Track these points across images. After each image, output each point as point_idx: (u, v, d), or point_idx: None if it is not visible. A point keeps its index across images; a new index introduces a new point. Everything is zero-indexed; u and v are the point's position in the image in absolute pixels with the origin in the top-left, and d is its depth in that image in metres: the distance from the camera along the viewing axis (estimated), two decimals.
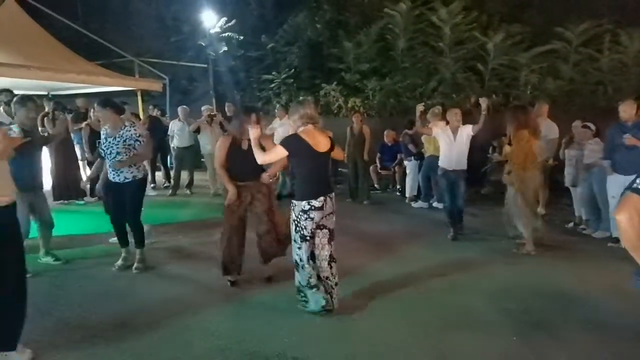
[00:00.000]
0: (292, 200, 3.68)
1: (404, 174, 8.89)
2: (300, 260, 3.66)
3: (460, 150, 5.80)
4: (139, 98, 11.28)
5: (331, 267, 3.75)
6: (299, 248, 3.64)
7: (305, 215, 3.57)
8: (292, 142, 3.61)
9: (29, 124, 4.54)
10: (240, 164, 4.18)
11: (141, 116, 10.29)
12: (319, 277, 3.69)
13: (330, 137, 3.79)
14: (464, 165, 5.85)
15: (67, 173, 7.83)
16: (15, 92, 9.77)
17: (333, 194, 3.75)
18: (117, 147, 4.56)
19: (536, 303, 3.97)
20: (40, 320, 3.65)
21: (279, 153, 3.64)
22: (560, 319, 3.66)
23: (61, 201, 7.76)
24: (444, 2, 12.21)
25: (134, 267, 4.79)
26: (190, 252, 5.51)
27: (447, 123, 6.10)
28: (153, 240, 5.63)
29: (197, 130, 8.89)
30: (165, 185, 9.56)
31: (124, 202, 4.71)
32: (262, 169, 4.22)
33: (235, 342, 3.33)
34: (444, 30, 12.29)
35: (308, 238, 3.62)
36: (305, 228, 3.60)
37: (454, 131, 5.86)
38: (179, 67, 13.83)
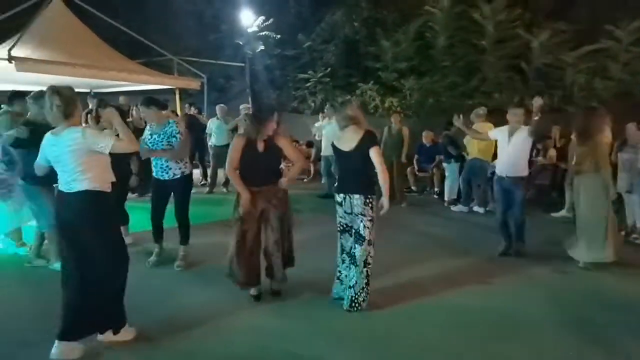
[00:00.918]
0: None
1: (442, 176, 8.65)
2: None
3: (516, 154, 5.08)
4: (177, 96, 11.44)
5: (350, 269, 3.79)
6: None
7: (337, 207, 3.86)
8: (333, 148, 3.92)
9: (40, 119, 4.26)
10: (256, 167, 3.81)
11: (179, 114, 10.41)
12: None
13: (366, 134, 3.68)
14: (521, 172, 5.10)
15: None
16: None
17: (357, 195, 3.66)
18: (162, 143, 4.60)
19: (586, 314, 3.74)
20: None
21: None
22: (611, 332, 3.43)
23: None
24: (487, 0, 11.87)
25: (175, 265, 4.78)
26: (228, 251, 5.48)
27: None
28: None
29: (235, 129, 8.90)
30: (202, 183, 9.63)
31: (167, 199, 4.74)
32: (279, 173, 4.01)
33: (276, 341, 3.29)
34: (486, 28, 11.96)
35: (340, 229, 3.86)
36: (337, 219, 3.87)
37: (511, 133, 5.13)
38: (217, 66, 13.95)
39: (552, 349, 3.23)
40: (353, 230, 3.75)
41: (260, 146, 3.81)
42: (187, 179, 4.78)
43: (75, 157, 2.94)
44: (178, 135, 4.59)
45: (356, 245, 3.72)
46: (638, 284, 4.44)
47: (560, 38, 11.50)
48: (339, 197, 3.80)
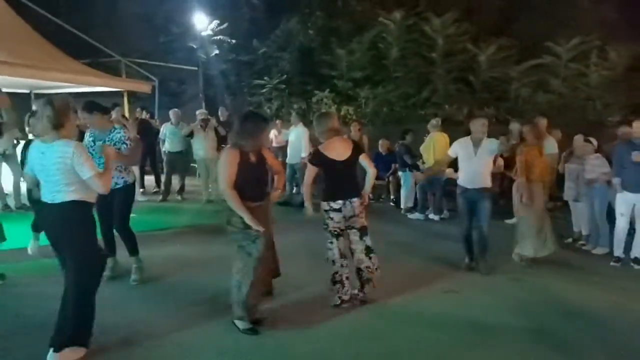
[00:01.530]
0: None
1: (398, 185, 8.80)
2: (333, 255, 4.00)
3: (482, 164, 4.98)
4: (125, 99, 10.96)
5: (370, 258, 4.05)
6: (331, 243, 4.01)
7: (327, 215, 3.98)
8: (317, 159, 4.04)
9: None
10: (253, 181, 3.53)
11: (128, 118, 9.98)
12: (358, 270, 4.08)
13: (354, 144, 4.10)
14: (487, 182, 5.01)
15: None
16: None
17: (356, 199, 3.97)
18: None
19: (549, 322, 3.88)
20: (31, 334, 3.40)
21: (312, 170, 4.05)
22: (576, 340, 3.58)
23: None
24: (436, 13, 12.28)
25: (131, 279, 4.53)
26: (188, 261, 5.28)
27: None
28: None
29: (190, 135, 8.63)
30: (155, 190, 9.27)
31: (111, 209, 4.43)
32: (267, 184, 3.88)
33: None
34: (436, 41, 12.35)
35: (335, 234, 3.99)
36: (329, 225, 3.99)
37: (476, 144, 4.99)
38: (168, 69, 13.54)
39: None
40: (354, 229, 4.04)
41: (253, 157, 3.54)
42: (129, 189, 4.51)
43: (63, 170, 2.95)
44: (127, 142, 4.31)
45: (365, 238, 4.07)
46: (591, 289, 4.66)
47: (505, 53, 12.08)
48: (336, 204, 3.94)
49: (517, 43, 12.17)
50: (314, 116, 4.64)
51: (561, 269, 5.28)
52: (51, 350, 3.02)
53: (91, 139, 4.40)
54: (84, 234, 3.08)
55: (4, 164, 7.22)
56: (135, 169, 8.44)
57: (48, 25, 10.88)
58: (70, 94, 10.04)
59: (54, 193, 2.99)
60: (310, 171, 4.08)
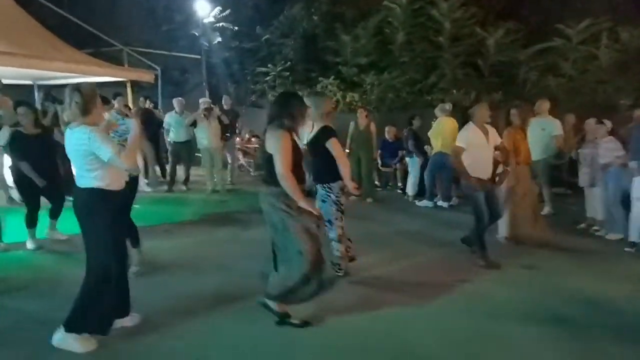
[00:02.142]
0: (328, 184, 4.16)
1: (406, 172, 8.68)
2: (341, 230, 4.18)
3: (492, 153, 4.82)
4: (129, 89, 10.85)
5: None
6: (341, 221, 4.22)
7: (340, 194, 4.13)
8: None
9: None
10: (299, 164, 3.33)
11: (131, 108, 9.87)
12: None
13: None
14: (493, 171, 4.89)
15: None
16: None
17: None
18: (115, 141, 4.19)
19: (563, 311, 3.77)
20: (36, 331, 3.34)
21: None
22: (592, 328, 3.47)
23: None
24: None
25: (130, 271, 4.41)
26: (192, 252, 5.21)
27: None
28: None
29: (194, 124, 8.53)
30: (160, 180, 9.20)
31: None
32: None
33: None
34: (443, 25, 12.12)
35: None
36: (339, 204, 4.20)
37: (485, 131, 4.75)
38: (171, 58, 13.39)
39: (534, 352, 3.22)
40: None
41: (296, 139, 3.36)
42: (131, 181, 4.35)
43: (82, 156, 2.99)
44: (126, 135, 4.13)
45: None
46: (606, 276, 4.54)
47: (513, 36, 11.83)
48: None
49: (525, 26, 11.92)
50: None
51: (575, 255, 5.17)
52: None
53: None
54: (100, 222, 3.05)
55: (5, 156, 7.13)
56: (139, 160, 8.40)
57: (51, 16, 10.76)
58: (74, 84, 10.01)
59: (78, 177, 3.08)
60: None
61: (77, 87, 3.05)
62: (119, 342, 3.21)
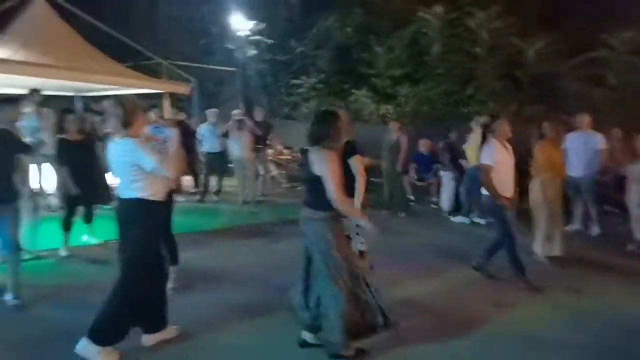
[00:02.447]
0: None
1: (441, 186, 8.43)
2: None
3: (513, 170, 4.63)
4: (167, 101, 11.08)
5: None
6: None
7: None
8: None
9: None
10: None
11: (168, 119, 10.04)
12: None
13: None
14: None
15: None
16: (44, 92, 9.75)
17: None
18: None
19: (609, 338, 3.49)
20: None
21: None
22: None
23: None
24: (480, 7, 11.77)
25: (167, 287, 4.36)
26: (222, 265, 5.15)
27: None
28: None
29: (226, 135, 8.59)
30: (193, 191, 9.28)
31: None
32: None
33: None
34: (480, 35, 11.84)
35: None
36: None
37: (506, 148, 4.61)
38: (207, 71, 13.61)
39: None
40: None
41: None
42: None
43: (126, 167, 3.06)
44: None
45: None
46: None
47: (554, 47, 11.43)
48: None
49: (566, 36, 11.49)
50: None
51: (621, 278, 4.84)
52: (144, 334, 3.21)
53: None
54: (142, 232, 3.09)
55: (48, 165, 7.34)
56: None
57: (95, 31, 11.16)
58: (114, 95, 10.34)
59: (122, 189, 3.14)
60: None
61: (119, 102, 3.14)
62: (145, 352, 3.17)
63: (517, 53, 11.67)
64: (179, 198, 8.15)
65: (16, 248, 4.07)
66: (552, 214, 5.20)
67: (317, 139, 3.09)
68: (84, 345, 3.03)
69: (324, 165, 2.99)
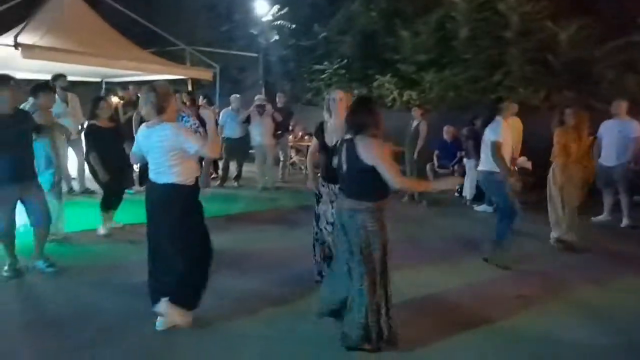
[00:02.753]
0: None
1: (465, 174, 8.22)
2: None
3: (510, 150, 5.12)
4: (190, 87, 11.13)
5: None
6: None
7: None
8: None
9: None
10: None
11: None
12: None
13: None
14: None
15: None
16: (70, 78, 9.91)
17: None
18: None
19: (638, 336, 3.31)
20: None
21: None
22: None
23: None
24: None
25: None
26: (239, 251, 5.13)
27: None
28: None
29: (247, 121, 8.56)
30: (213, 176, 9.32)
31: None
32: None
33: None
34: (510, 19, 11.40)
35: None
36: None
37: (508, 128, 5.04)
38: (230, 56, 13.58)
39: None
40: None
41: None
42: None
43: (164, 152, 3.11)
44: (199, 129, 4.10)
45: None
46: None
47: (588, 31, 10.92)
48: None
49: (601, 21, 10.95)
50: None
51: None
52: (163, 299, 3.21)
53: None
54: (181, 216, 3.18)
55: (70, 149, 7.48)
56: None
57: (120, 18, 11.25)
58: (138, 81, 10.45)
59: (158, 174, 3.19)
60: None
61: (153, 88, 3.18)
62: (156, 339, 3.18)
63: (548, 38, 11.18)
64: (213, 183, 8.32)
65: (47, 221, 4.25)
66: (562, 199, 5.29)
67: (359, 127, 3.00)
68: (166, 307, 3.19)
69: (376, 153, 2.91)
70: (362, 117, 3.03)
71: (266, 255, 4.96)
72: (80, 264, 4.60)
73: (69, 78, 9.49)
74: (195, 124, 4.11)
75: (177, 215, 3.18)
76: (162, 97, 3.14)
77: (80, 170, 7.53)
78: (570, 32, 10.89)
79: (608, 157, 6.35)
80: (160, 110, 3.14)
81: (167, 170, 3.13)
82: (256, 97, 8.89)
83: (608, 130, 6.38)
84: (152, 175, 3.25)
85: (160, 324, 3.23)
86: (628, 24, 10.41)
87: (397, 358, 2.99)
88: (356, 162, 2.94)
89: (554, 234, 5.40)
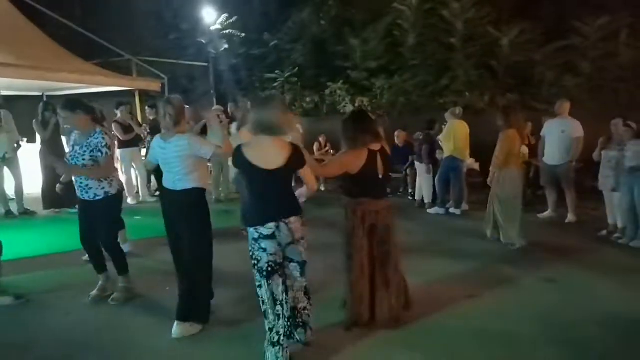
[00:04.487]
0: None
1: (416, 177, 8.34)
2: (263, 303, 2.89)
3: None
4: (137, 98, 10.80)
5: (309, 299, 3.11)
6: (260, 287, 2.88)
7: (257, 245, 2.85)
8: (237, 159, 2.89)
9: None
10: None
11: (139, 117, 9.78)
12: (293, 310, 3.00)
13: (294, 149, 2.90)
14: None
15: (58, 179, 7.29)
16: (8, 93, 9.38)
17: (296, 217, 2.88)
18: (84, 158, 3.79)
19: (588, 331, 3.41)
20: None
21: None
22: (621, 353, 3.13)
23: (51, 210, 7.25)
24: None
25: (110, 298, 4.00)
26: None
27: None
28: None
29: (204, 131, 8.35)
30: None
31: (92, 221, 3.94)
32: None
33: None
34: (455, 26, 11.79)
35: (265, 273, 2.83)
36: (260, 260, 2.84)
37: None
38: (179, 66, 13.33)
39: None
40: (291, 263, 2.95)
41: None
42: (112, 200, 3.96)
43: (182, 161, 3.34)
44: (104, 149, 3.80)
45: (300, 277, 3.00)
46: (632, 290, 4.15)
47: (528, 35, 11.44)
48: (266, 229, 2.82)
49: (540, 25, 11.50)
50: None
51: (597, 266, 4.79)
52: (176, 322, 3.35)
53: (71, 143, 3.97)
54: (202, 215, 3.44)
55: (5, 169, 7.04)
56: (133, 173, 8.16)
57: (60, 29, 10.80)
58: (81, 94, 10.02)
59: (175, 181, 3.36)
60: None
61: (169, 101, 3.39)
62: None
63: (491, 43, 11.63)
64: (149, 199, 8.00)
65: None
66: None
67: (353, 137, 3.40)
68: (181, 329, 3.33)
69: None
70: (355, 127, 3.43)
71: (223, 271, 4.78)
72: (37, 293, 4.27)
73: (5, 93, 9.02)
74: (104, 143, 3.75)
75: (200, 217, 3.43)
76: (178, 110, 3.36)
77: (19, 191, 7.11)
78: (512, 37, 11.36)
79: (552, 156, 6.53)
80: (176, 122, 3.35)
81: (185, 177, 3.35)
82: (214, 108, 8.73)
83: (551, 130, 6.57)
84: (169, 184, 3.41)
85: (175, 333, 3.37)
86: (566, 28, 10.97)
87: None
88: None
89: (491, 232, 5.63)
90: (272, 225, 2.82)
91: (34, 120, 7.23)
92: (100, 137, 3.84)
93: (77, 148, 3.86)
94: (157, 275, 4.58)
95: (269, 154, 2.82)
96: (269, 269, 2.83)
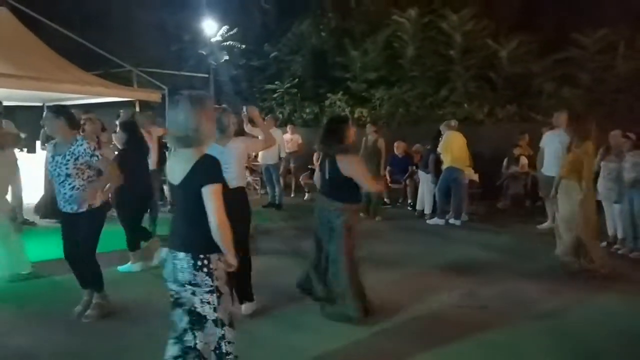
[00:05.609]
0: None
1: (416, 188, 8.35)
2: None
3: None
4: (137, 109, 10.82)
5: None
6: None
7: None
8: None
9: None
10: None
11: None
12: None
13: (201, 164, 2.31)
14: None
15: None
16: (9, 103, 9.42)
17: (185, 254, 2.28)
18: (67, 167, 3.65)
19: (591, 344, 3.38)
20: None
21: None
22: None
23: (47, 219, 7.23)
24: (453, 9, 11.80)
25: (86, 314, 3.87)
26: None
27: None
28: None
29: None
30: (161, 202, 8.99)
31: (77, 237, 3.81)
32: None
33: None
34: (454, 38, 11.87)
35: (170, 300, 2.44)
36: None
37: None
38: (179, 77, 13.38)
39: None
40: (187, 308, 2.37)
41: None
42: (95, 213, 3.81)
43: (239, 161, 3.79)
44: (96, 154, 3.70)
45: (193, 332, 2.35)
46: (634, 301, 4.15)
47: (527, 47, 11.51)
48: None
49: (539, 37, 11.58)
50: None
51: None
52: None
53: (50, 154, 3.78)
54: (248, 208, 3.93)
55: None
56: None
57: (62, 40, 10.86)
58: (82, 105, 10.05)
59: (231, 180, 3.46)
60: None
61: (223, 109, 3.81)
62: None
63: (490, 54, 11.71)
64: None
65: None
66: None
67: (332, 143, 3.83)
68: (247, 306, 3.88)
69: (354, 167, 3.83)
70: (335, 135, 3.85)
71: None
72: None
73: (6, 103, 9.06)
74: (91, 147, 3.69)
75: (248, 212, 3.90)
76: (227, 119, 3.71)
77: (18, 201, 7.09)
78: (510, 49, 11.43)
79: (550, 166, 6.54)
80: (225, 130, 3.71)
81: (236, 176, 3.70)
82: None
83: (550, 141, 6.58)
84: (229, 182, 3.62)
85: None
86: (564, 39, 11.04)
87: None
88: (336, 172, 3.75)
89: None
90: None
91: (41, 131, 7.26)
92: (85, 144, 3.72)
93: (58, 158, 3.71)
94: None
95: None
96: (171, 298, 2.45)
